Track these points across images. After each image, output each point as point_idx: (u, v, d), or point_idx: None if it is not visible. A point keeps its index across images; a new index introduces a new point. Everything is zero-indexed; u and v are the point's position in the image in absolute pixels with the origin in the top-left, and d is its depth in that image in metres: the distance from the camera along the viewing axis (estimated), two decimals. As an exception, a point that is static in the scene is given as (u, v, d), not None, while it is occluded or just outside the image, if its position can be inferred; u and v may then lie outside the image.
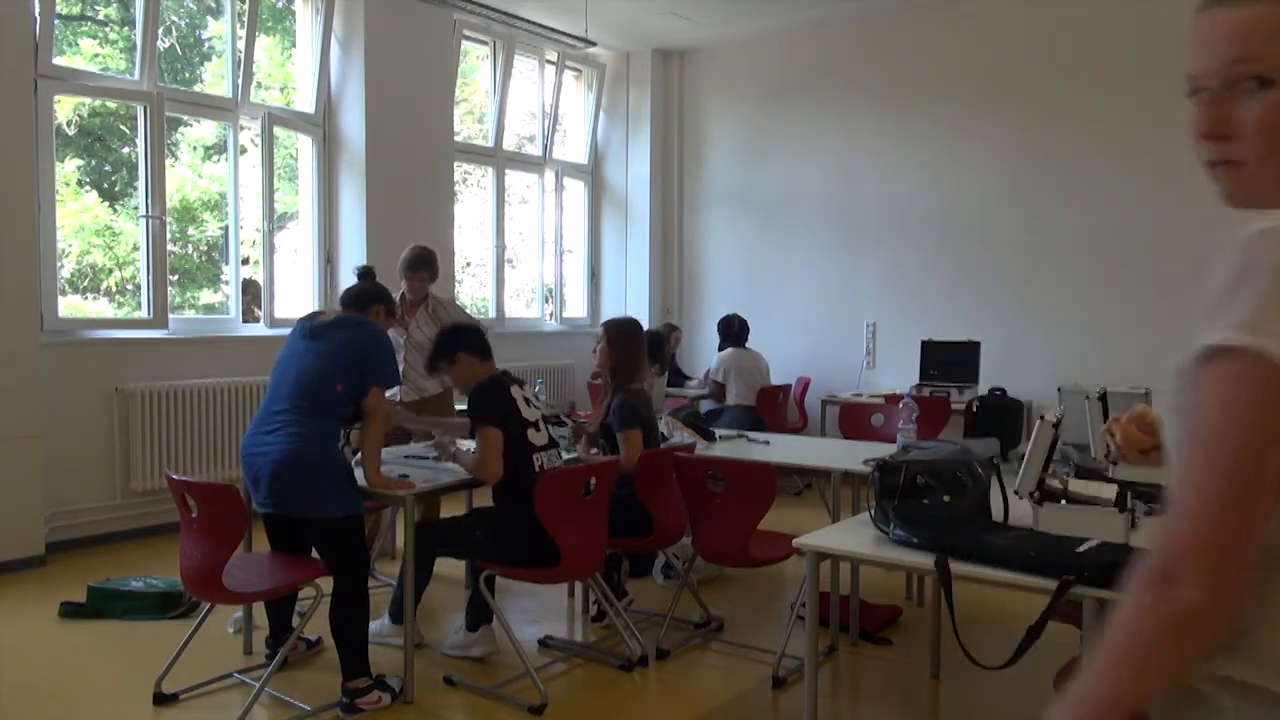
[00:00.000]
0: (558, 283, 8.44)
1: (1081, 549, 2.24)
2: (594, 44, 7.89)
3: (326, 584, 3.20)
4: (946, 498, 2.67)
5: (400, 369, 4.56)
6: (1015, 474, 2.62)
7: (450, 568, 4.54)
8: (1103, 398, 3.36)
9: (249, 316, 6.18)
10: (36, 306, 4.95)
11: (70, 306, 5.62)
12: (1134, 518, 2.57)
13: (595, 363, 4.12)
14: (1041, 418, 2.59)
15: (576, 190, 8.66)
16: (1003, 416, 4.78)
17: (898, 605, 4.20)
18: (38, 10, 4.99)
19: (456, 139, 7.24)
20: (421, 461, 3.82)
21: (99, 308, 5.95)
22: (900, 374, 7.09)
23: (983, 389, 6.38)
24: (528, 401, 3.54)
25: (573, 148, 8.66)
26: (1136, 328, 6.34)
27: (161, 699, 3.22)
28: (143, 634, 3.90)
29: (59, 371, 5.08)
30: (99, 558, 5.00)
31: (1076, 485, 2.65)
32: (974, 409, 5.41)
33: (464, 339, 3.61)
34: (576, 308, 8.68)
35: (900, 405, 4.17)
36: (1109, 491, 2.59)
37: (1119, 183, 6.41)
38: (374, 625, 3.59)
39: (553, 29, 7.52)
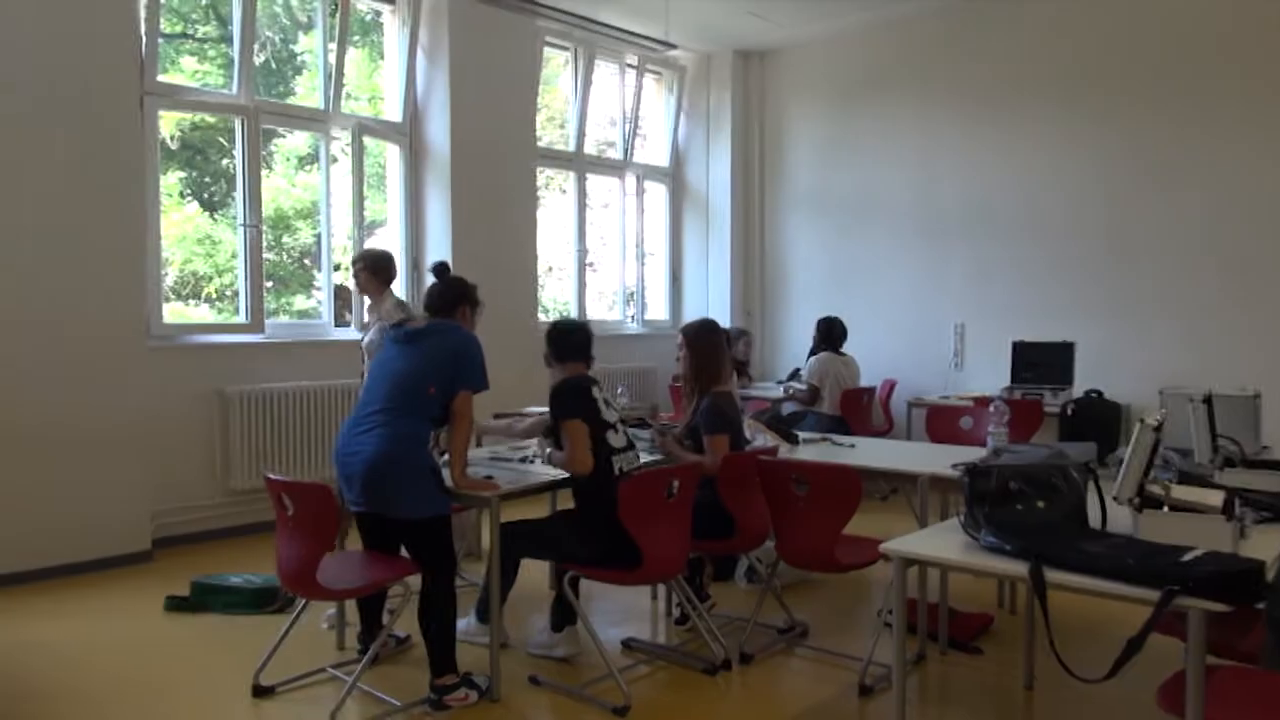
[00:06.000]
0: (639, 285, 8.47)
1: (1186, 558, 2.15)
2: (674, 46, 7.90)
3: (416, 582, 3.27)
4: (1040, 503, 2.58)
5: None
6: (1113, 479, 2.53)
7: (535, 568, 4.60)
8: (1208, 400, 3.22)
9: (340, 321, 6.36)
10: (143, 312, 5.19)
11: (173, 312, 5.86)
12: (1243, 526, 2.46)
13: (678, 368, 4.12)
14: (1142, 421, 2.49)
15: (657, 193, 8.68)
16: (1100, 420, 4.61)
17: (989, 613, 4.09)
18: (143, 31, 5.23)
19: (538, 144, 7.33)
20: (506, 463, 3.87)
21: (200, 313, 6.20)
22: (990, 376, 6.91)
23: (1078, 391, 6.17)
24: (607, 403, 3.59)
25: (654, 151, 8.68)
26: (1243, 326, 6.05)
27: (260, 691, 3.34)
28: (242, 628, 4.04)
29: (164, 375, 5.31)
30: (202, 554, 5.20)
31: (1179, 492, 2.54)
32: (1069, 412, 5.23)
33: (551, 340, 3.71)
34: (658, 310, 8.70)
35: (990, 408, 4.06)
36: (1215, 498, 2.47)
37: (1217, 174, 6.13)
38: (460, 624, 3.64)
39: (633, 33, 7.55)
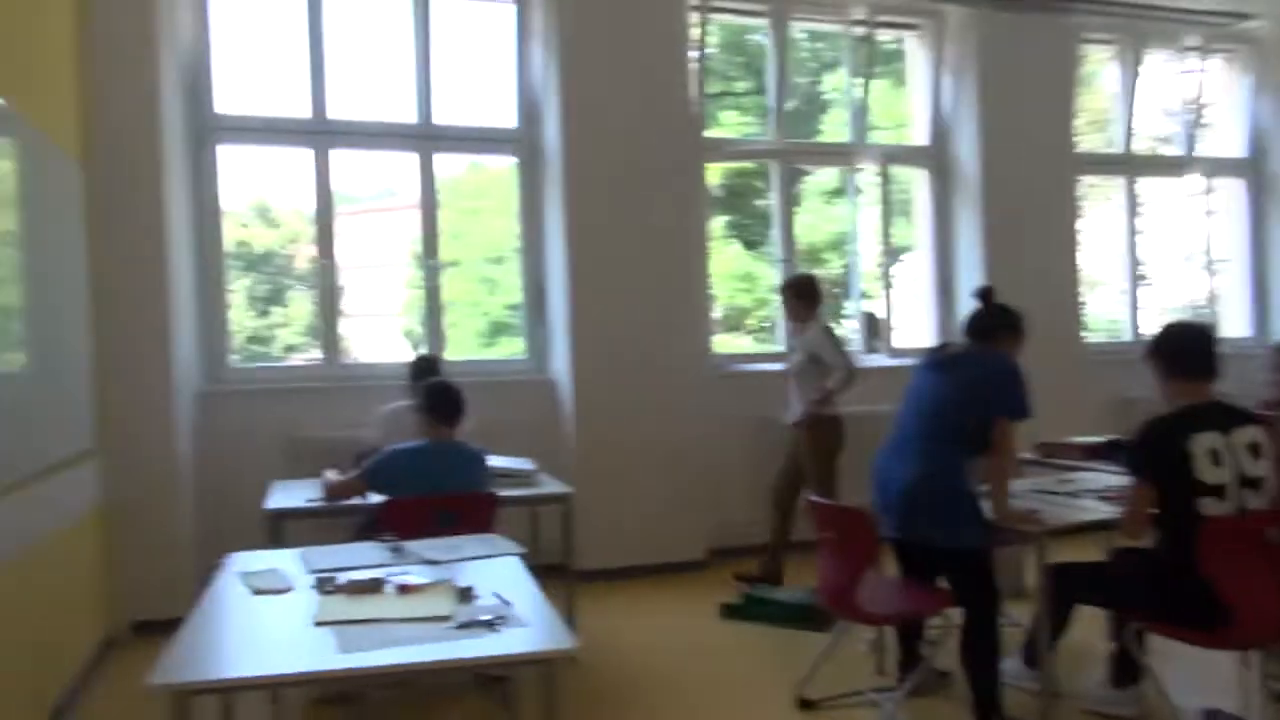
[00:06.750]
0: (1210, 298, 7.33)
1: None
2: (1248, 17, 6.75)
3: (956, 615, 3.16)
4: None
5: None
6: None
7: (1093, 612, 4.17)
8: None
9: (870, 348, 6.44)
10: (704, 344, 5.87)
11: (721, 343, 6.43)
12: None
13: (1270, 393, 3.45)
14: None
15: (1231, 191, 7.44)
16: None
17: None
18: (694, 94, 5.86)
19: (1078, 151, 6.74)
20: (1052, 496, 3.57)
21: (743, 344, 6.75)
22: None
23: None
24: (1217, 458, 2.88)
25: (1224, 142, 7.47)
26: None
27: (803, 704, 3.47)
28: (786, 640, 4.26)
29: (716, 401, 5.82)
30: (747, 567, 5.57)
31: None
32: None
33: (1152, 350, 3.11)
34: (1234, 325, 7.42)
35: None
36: None
37: None
38: (1006, 665, 3.43)
39: (1192, 11, 6.61)
